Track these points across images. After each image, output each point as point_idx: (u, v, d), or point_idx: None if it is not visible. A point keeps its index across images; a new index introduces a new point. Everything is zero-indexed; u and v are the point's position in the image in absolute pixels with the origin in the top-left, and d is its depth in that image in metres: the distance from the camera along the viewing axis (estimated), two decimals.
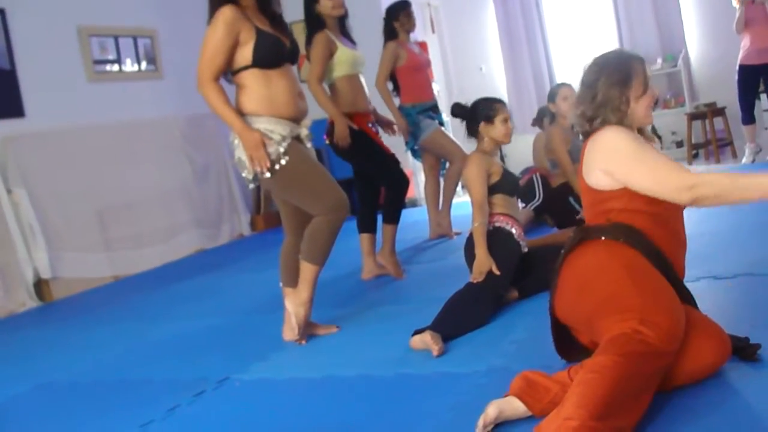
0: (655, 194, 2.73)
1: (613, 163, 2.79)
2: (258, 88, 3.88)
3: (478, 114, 4.45)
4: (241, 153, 3.90)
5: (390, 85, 6.50)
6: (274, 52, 3.90)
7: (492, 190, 4.33)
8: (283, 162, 3.86)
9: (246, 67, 3.88)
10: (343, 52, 5.20)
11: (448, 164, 6.63)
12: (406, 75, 6.49)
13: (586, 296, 2.70)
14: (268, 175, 3.87)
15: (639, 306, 2.49)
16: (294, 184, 3.95)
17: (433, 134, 6.42)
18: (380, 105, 6.33)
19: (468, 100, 4.65)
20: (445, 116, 6.96)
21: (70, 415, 3.61)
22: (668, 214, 2.84)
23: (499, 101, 4.51)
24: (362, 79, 5.38)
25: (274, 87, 3.89)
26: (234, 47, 3.84)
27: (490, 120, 4.41)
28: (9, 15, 6.96)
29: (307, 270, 4.01)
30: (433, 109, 6.62)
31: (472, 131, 4.48)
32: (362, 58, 5.37)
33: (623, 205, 2.81)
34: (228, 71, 3.94)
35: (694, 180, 2.64)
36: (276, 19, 3.99)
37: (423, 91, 6.59)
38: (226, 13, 3.80)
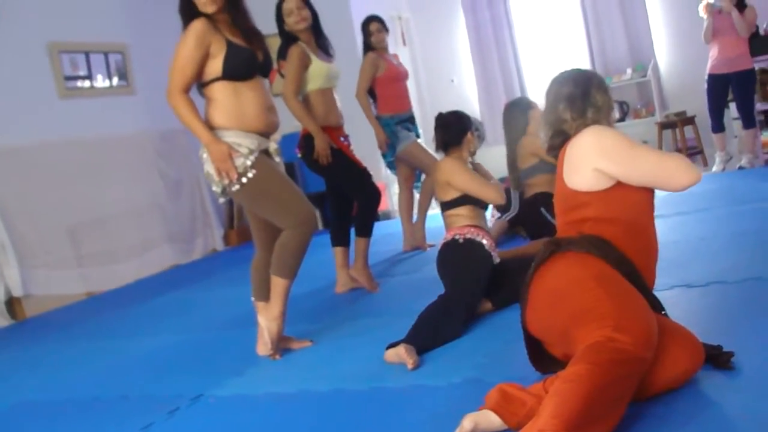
0: (658, 180, 2.82)
1: (613, 157, 2.82)
2: (227, 101, 3.88)
3: (468, 124, 4.54)
4: (209, 167, 3.89)
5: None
6: (244, 65, 3.90)
7: (462, 201, 4.35)
8: (249, 175, 3.85)
9: (216, 79, 3.88)
10: (317, 65, 5.20)
11: (423, 176, 6.65)
12: (385, 86, 6.54)
13: (559, 309, 2.70)
14: (235, 187, 3.87)
15: (613, 314, 2.49)
16: (261, 197, 3.95)
17: (410, 146, 6.46)
18: (358, 116, 6.36)
19: (438, 111, 4.72)
20: (419, 129, 6.98)
21: None
22: (640, 221, 2.88)
23: None
24: (335, 93, 5.38)
25: (243, 100, 3.89)
26: (204, 59, 3.84)
27: (472, 131, 4.52)
28: None
29: (277, 284, 4.00)
30: (410, 121, 6.66)
31: (457, 140, 4.50)
32: (337, 71, 5.37)
33: (598, 212, 2.84)
34: (198, 84, 3.93)
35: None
36: (249, 32, 3.99)
37: (401, 102, 6.64)
38: (197, 25, 3.81)
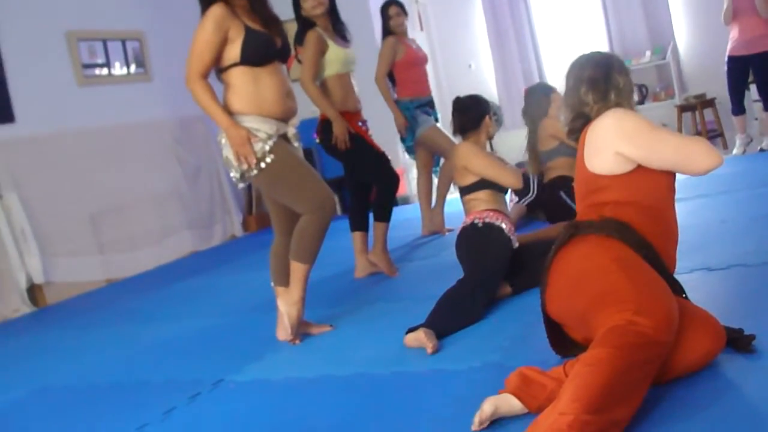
0: (679, 164, 2.81)
1: (634, 140, 2.80)
2: (245, 87, 3.88)
3: (486, 108, 4.54)
4: (228, 152, 3.90)
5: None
6: (262, 50, 3.90)
7: (481, 185, 4.35)
8: (268, 160, 3.86)
9: (234, 65, 3.88)
10: (334, 50, 5.19)
11: (442, 161, 6.64)
12: (404, 70, 6.55)
13: (579, 292, 2.69)
14: (254, 172, 3.87)
15: (633, 297, 2.48)
16: (280, 182, 3.95)
17: (429, 130, 6.47)
18: (377, 101, 6.35)
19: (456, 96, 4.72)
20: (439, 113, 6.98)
21: (67, 420, 3.60)
22: (661, 205, 2.88)
23: None
24: (353, 78, 5.38)
25: (261, 85, 3.89)
26: (223, 44, 3.85)
27: (491, 115, 4.51)
28: None
29: (297, 269, 4.01)
30: (430, 105, 6.66)
31: (475, 124, 4.49)
32: (354, 56, 5.36)
33: (619, 195, 2.83)
34: (216, 69, 3.94)
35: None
36: (268, 18, 3.99)
37: (420, 86, 6.65)
38: (216, 10, 3.82)
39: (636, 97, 8.66)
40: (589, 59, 3.05)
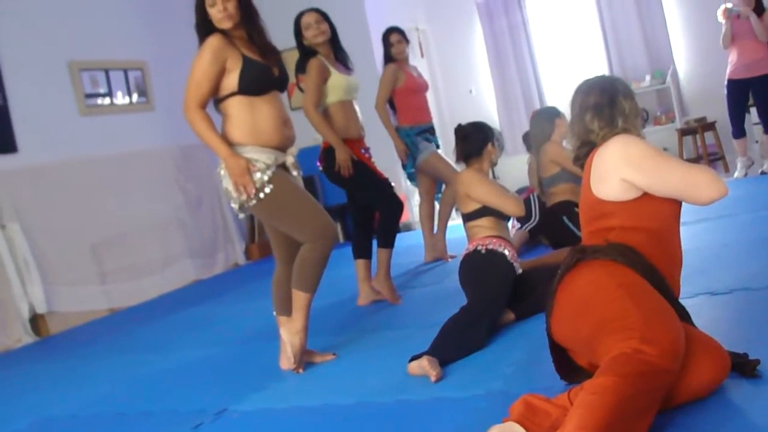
0: (685, 193, 2.80)
1: (640, 168, 2.80)
2: (243, 117, 3.89)
3: (489, 135, 4.54)
4: (228, 183, 3.91)
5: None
6: (260, 79, 3.92)
7: (483, 212, 4.35)
8: (267, 190, 3.87)
9: (232, 94, 3.90)
10: (336, 78, 5.21)
11: (443, 187, 6.65)
12: (404, 97, 6.58)
13: (585, 318, 2.68)
14: (253, 203, 3.88)
15: (639, 325, 2.47)
16: (279, 212, 3.96)
17: (430, 157, 6.47)
18: (378, 128, 6.37)
19: (458, 122, 4.74)
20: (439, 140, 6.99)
21: None
22: (667, 231, 2.87)
23: None
24: (356, 105, 5.40)
25: (258, 114, 3.90)
26: (220, 74, 3.87)
27: (493, 142, 4.51)
28: (0, 51, 6.98)
29: (299, 298, 4.01)
30: (430, 131, 6.67)
31: (477, 151, 4.50)
32: (356, 83, 5.38)
33: (625, 221, 2.83)
34: (214, 100, 3.95)
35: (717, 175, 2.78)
36: (265, 48, 4.01)
37: (421, 113, 6.67)
38: (213, 41, 3.84)
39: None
40: (594, 85, 3.05)
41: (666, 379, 2.40)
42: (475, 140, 4.52)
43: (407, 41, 6.70)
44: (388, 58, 6.62)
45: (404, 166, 6.69)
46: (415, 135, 6.51)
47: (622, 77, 9.53)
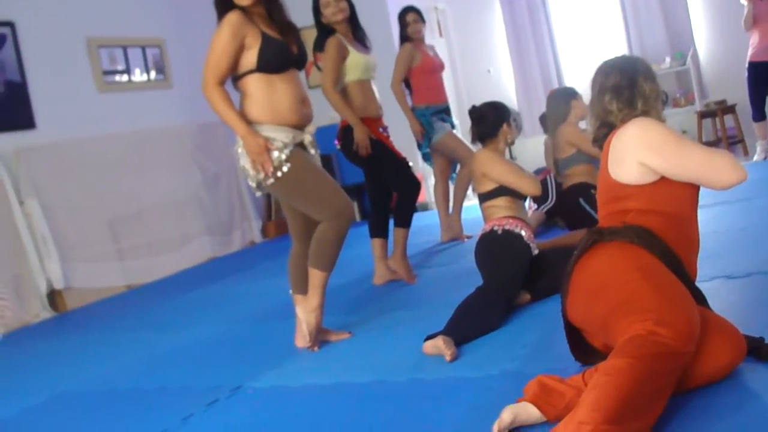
0: (703, 177, 2.78)
1: (659, 152, 2.77)
2: (261, 95, 3.88)
3: (504, 115, 4.51)
4: (245, 161, 3.90)
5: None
6: (278, 57, 3.90)
7: (499, 192, 4.34)
8: (284, 169, 3.86)
9: (250, 72, 3.88)
10: (354, 56, 5.20)
11: (458, 167, 6.64)
12: (420, 77, 6.56)
13: (600, 299, 2.68)
14: (270, 181, 3.87)
15: (655, 307, 2.47)
16: (297, 190, 3.95)
17: (445, 137, 6.46)
18: (394, 107, 6.36)
19: (476, 102, 4.71)
20: (456, 120, 6.97)
21: (85, 425, 3.62)
22: (684, 215, 2.85)
23: None
24: (374, 85, 5.38)
25: (277, 93, 3.89)
26: (239, 51, 3.85)
27: (509, 122, 4.48)
28: (19, 28, 7.00)
29: (315, 276, 4.01)
30: (446, 112, 6.65)
31: (493, 132, 4.48)
32: (374, 62, 5.37)
33: (642, 204, 2.81)
34: (232, 77, 3.94)
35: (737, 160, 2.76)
36: (284, 25, 3.99)
37: (436, 93, 6.65)
38: (232, 17, 3.82)
39: None
40: (614, 66, 3.02)
41: (681, 362, 2.40)
42: (490, 121, 4.50)
43: (423, 21, 6.68)
44: (404, 38, 6.61)
45: (419, 146, 6.67)
46: (430, 115, 6.49)
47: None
